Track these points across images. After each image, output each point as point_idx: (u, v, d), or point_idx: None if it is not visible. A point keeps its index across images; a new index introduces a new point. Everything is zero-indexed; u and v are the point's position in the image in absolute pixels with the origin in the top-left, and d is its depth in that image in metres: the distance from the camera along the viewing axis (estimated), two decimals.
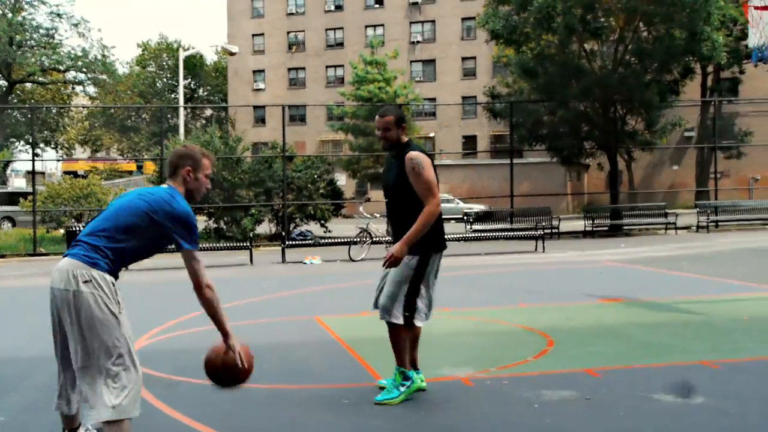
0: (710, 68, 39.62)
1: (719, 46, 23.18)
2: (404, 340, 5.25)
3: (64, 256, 3.91)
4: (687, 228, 24.71)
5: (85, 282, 3.71)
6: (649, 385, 5.59)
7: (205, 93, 72.48)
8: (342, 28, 58.39)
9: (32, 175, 23.48)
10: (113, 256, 3.82)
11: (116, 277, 3.87)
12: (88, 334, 3.70)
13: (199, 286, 3.88)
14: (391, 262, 5.06)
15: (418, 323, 5.26)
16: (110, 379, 3.70)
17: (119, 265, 3.88)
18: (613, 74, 23.96)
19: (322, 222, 23.50)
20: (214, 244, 19.77)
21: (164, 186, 4.03)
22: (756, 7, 14.91)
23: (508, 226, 22.23)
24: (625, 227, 24.72)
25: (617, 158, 26.50)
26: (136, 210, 3.85)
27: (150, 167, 61.17)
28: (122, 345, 3.74)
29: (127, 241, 3.84)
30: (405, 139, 5.31)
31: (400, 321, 5.17)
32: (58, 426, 4.95)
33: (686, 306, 9.33)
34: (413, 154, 5.11)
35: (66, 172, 62.00)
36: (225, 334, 4.06)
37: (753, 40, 15.67)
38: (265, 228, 23.98)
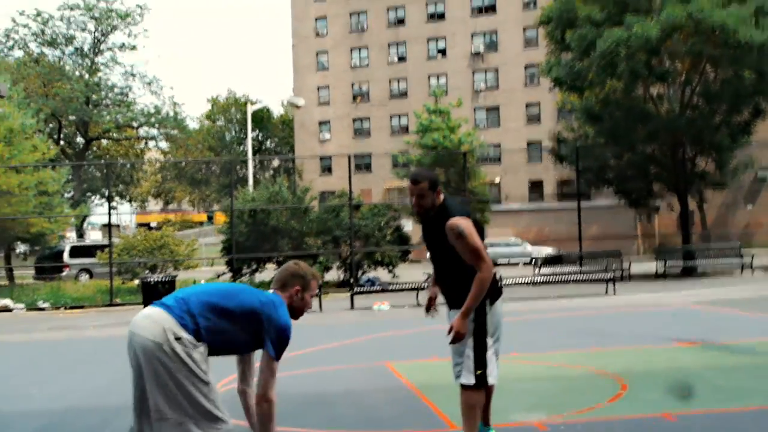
0: None
1: None
2: (476, 407, 4.87)
3: (154, 305, 3.96)
4: (764, 268, 24.02)
5: (178, 339, 3.74)
6: (729, 430, 5.45)
7: (273, 145, 73.85)
8: (405, 79, 59.07)
9: (108, 228, 24.20)
10: (204, 332, 3.83)
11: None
12: (175, 388, 3.73)
13: (263, 396, 3.90)
14: (457, 337, 4.76)
15: (492, 381, 4.89)
16: (202, 430, 3.74)
17: (204, 341, 3.86)
18: (681, 117, 23.68)
19: (390, 268, 23.60)
20: None
21: (272, 293, 4.12)
22: None
23: (577, 269, 21.97)
24: (699, 268, 24.16)
25: (688, 199, 26.00)
26: (246, 303, 3.95)
27: (220, 218, 62.51)
28: (210, 400, 3.78)
29: (220, 324, 3.88)
30: (440, 199, 4.97)
31: (472, 381, 4.81)
32: None
33: (766, 349, 9.08)
34: (454, 222, 4.75)
35: (140, 224, 63.76)
36: None
37: None
38: (333, 275, 24.20)
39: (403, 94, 59.05)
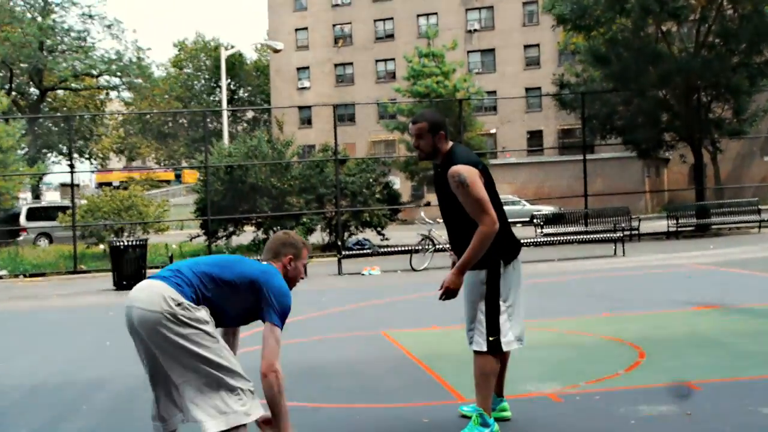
0: None
1: None
2: (490, 375, 4.89)
3: (150, 278, 4.10)
4: None
5: (179, 305, 3.89)
6: (757, 398, 5.56)
7: (246, 94, 73.33)
8: (392, 19, 58.49)
9: (71, 187, 24.06)
10: (203, 302, 3.99)
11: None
12: (188, 351, 3.88)
13: (269, 367, 3.99)
14: (447, 293, 4.81)
15: (506, 348, 4.92)
16: (223, 388, 3.91)
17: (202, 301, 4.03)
18: (696, 58, 23.62)
19: (379, 229, 23.63)
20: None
21: (267, 264, 4.30)
22: None
23: (582, 228, 22.10)
24: (713, 226, 24.35)
25: (702, 150, 26.07)
26: (246, 273, 4.11)
27: (189, 176, 62.20)
28: (225, 357, 3.94)
29: (221, 295, 4.04)
30: (446, 146, 4.95)
31: (484, 347, 4.85)
32: None
33: None
34: (455, 169, 4.74)
35: (101, 184, 63.36)
36: (283, 429, 4.13)
37: None
38: (317, 237, 24.22)
39: (390, 36, 58.58)
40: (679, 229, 23.95)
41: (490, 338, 4.86)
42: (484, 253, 4.76)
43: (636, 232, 23.31)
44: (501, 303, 4.90)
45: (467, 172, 4.73)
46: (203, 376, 3.89)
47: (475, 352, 4.93)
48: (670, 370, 6.60)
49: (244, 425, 3.93)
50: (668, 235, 23.81)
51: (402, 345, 8.28)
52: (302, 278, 4.47)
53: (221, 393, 3.90)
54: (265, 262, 4.32)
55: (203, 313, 3.94)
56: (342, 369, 7.21)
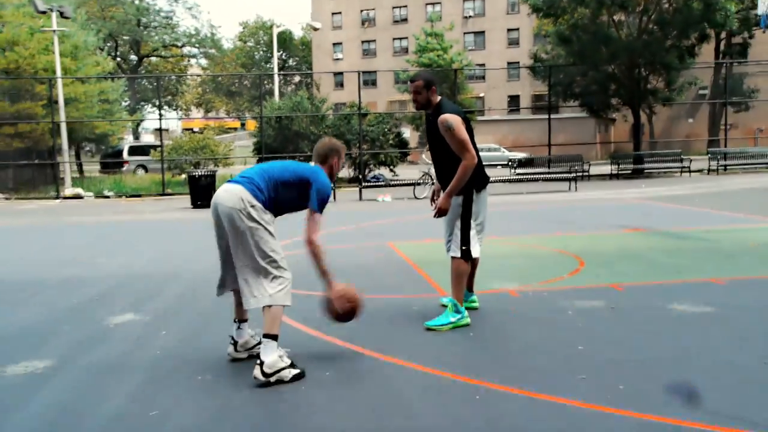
0: (723, 34, 37.68)
1: (732, 14, 22.09)
2: (462, 275, 4.90)
3: (230, 182, 4.05)
4: (699, 171, 23.96)
5: (252, 206, 3.90)
6: (665, 297, 5.55)
7: (294, 63, 72.48)
8: (406, 6, 57.47)
9: (160, 131, 24.02)
10: (270, 202, 3.99)
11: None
12: (251, 242, 3.88)
13: (307, 240, 3.97)
14: (439, 212, 4.82)
15: (474, 255, 4.93)
16: (269, 276, 3.91)
17: (272, 210, 4.03)
18: (638, 41, 23.03)
19: (391, 167, 23.57)
20: None
21: (314, 165, 4.24)
22: None
23: (546, 170, 21.89)
24: (646, 171, 24.08)
25: (640, 113, 25.62)
26: (299, 172, 4.07)
27: (251, 125, 61.92)
28: (277, 253, 3.94)
29: (283, 193, 4.02)
30: (437, 99, 4.85)
31: (458, 254, 4.87)
32: (191, 324, 5.23)
33: (699, 235, 9.15)
34: (444, 117, 4.67)
35: (185, 129, 63.29)
36: (327, 284, 4.15)
37: (762, 8, 14.90)
38: (344, 173, 24.20)
39: (404, 20, 57.58)
40: (620, 172, 23.70)
41: (463, 247, 4.87)
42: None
43: (587, 174, 23.09)
44: (472, 222, 4.89)
45: (453, 119, 4.67)
46: (256, 263, 3.89)
47: (452, 257, 4.94)
48: (602, 275, 6.59)
49: (280, 306, 3.91)
50: (611, 177, 23.58)
51: (403, 253, 8.30)
52: (339, 170, 4.42)
53: (266, 279, 3.90)
54: (313, 164, 4.26)
55: (269, 216, 3.96)
56: (358, 270, 7.23)
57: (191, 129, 53.23)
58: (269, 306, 3.87)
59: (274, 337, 3.85)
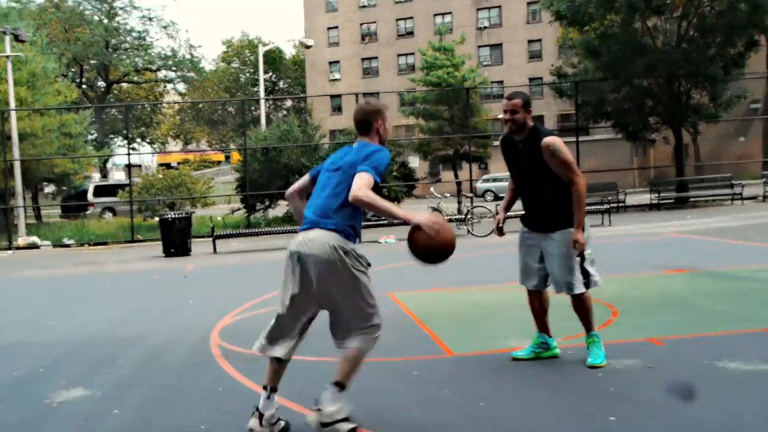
0: None
1: None
2: (592, 307, 5.26)
3: (310, 227, 4.04)
4: (753, 198, 23.82)
5: (345, 253, 3.96)
6: (714, 352, 5.39)
7: (285, 85, 73.20)
8: (412, 18, 58.11)
9: (128, 168, 24.15)
10: (353, 222, 4.03)
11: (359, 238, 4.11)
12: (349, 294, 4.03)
13: (353, 196, 3.86)
14: (582, 247, 5.05)
15: (595, 285, 5.24)
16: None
17: (359, 226, 4.10)
18: (677, 50, 23.17)
19: (396, 203, 23.49)
20: (295, 227, 20.01)
21: (359, 144, 4.14)
22: None
23: None
24: (691, 199, 23.96)
25: (682, 132, 25.65)
26: (353, 163, 3.99)
27: (237, 157, 62.28)
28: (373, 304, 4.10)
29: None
30: (531, 122, 5.10)
31: (583, 289, 5.13)
32: (150, 400, 5.09)
33: (752, 275, 9.00)
34: (550, 140, 4.92)
35: (161, 164, 63.70)
36: (406, 221, 3.99)
37: None
38: None
39: (410, 33, 58.16)
40: (661, 201, 23.61)
41: (585, 281, 5.16)
42: (571, 215, 5.03)
43: (623, 204, 22.98)
44: (585, 253, 5.15)
45: (559, 142, 4.94)
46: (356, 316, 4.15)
47: (576, 295, 5.18)
48: (638, 327, 6.44)
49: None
50: (651, 207, 23.48)
51: (404, 305, 8.16)
52: (389, 136, 4.30)
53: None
54: (359, 139, 4.16)
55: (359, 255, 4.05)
56: None
57: (168, 164, 53.64)
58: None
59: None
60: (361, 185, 3.85)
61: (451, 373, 5.28)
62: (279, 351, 4.13)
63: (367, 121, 4.16)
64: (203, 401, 4.91)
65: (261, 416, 4.11)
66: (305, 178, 4.41)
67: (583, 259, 5.12)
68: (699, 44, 23.34)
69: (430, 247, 4.03)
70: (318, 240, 3.93)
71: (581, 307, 5.23)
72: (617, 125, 25.82)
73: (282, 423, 4.18)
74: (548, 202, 5.08)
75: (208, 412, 4.67)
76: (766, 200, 23.50)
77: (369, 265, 4.10)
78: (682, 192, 23.98)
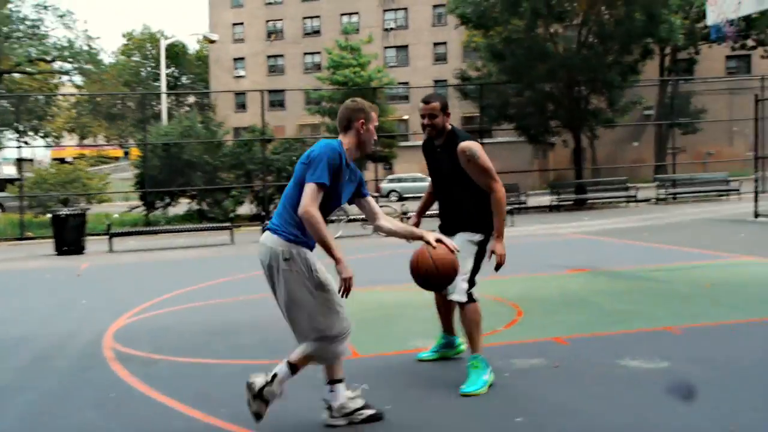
0: (668, 49, 39.56)
1: (677, 28, 23.14)
2: (480, 320, 4.82)
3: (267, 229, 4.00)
4: (647, 201, 24.73)
5: (285, 260, 3.88)
6: (616, 351, 5.45)
7: (188, 81, 71.58)
8: (319, 17, 57.85)
9: (19, 162, 23.01)
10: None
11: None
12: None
13: (300, 210, 3.78)
14: (500, 259, 4.81)
15: (476, 297, 4.88)
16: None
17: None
18: (577, 56, 23.79)
19: None
20: (197, 225, 19.52)
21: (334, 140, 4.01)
22: None
23: None
24: (589, 201, 24.68)
25: (581, 136, 26.38)
26: (299, 174, 3.92)
27: (136, 153, 60.43)
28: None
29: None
30: (449, 126, 4.88)
31: (463, 298, 4.79)
32: (30, 409, 4.74)
33: (649, 274, 9.24)
34: (467, 144, 4.70)
35: (55, 159, 61.13)
36: (336, 260, 3.85)
37: (711, 18, 15.56)
38: (246, 209, 23.67)
39: (316, 32, 57.87)
40: (561, 203, 24.19)
41: (469, 291, 4.82)
42: (483, 221, 4.79)
43: (524, 205, 23.44)
44: (480, 264, 4.89)
45: (477, 147, 4.74)
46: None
47: (461, 305, 4.84)
48: (542, 326, 6.48)
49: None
50: (551, 209, 24.03)
51: None
52: (375, 140, 4.13)
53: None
54: (340, 136, 4.06)
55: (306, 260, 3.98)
56: (250, 327, 6.88)
57: (62, 159, 51.52)
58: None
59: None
60: (307, 201, 3.79)
61: (356, 376, 5.13)
62: None
63: (348, 119, 4.07)
64: (92, 409, 4.61)
65: (330, 407, 4.17)
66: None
67: (478, 268, 4.87)
68: (598, 51, 24.04)
69: (428, 276, 4.20)
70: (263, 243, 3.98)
71: (465, 319, 4.84)
72: (519, 128, 26.31)
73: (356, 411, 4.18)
74: (465, 208, 4.86)
75: (97, 421, 4.37)
76: (659, 202, 24.44)
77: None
78: (580, 194, 24.66)
